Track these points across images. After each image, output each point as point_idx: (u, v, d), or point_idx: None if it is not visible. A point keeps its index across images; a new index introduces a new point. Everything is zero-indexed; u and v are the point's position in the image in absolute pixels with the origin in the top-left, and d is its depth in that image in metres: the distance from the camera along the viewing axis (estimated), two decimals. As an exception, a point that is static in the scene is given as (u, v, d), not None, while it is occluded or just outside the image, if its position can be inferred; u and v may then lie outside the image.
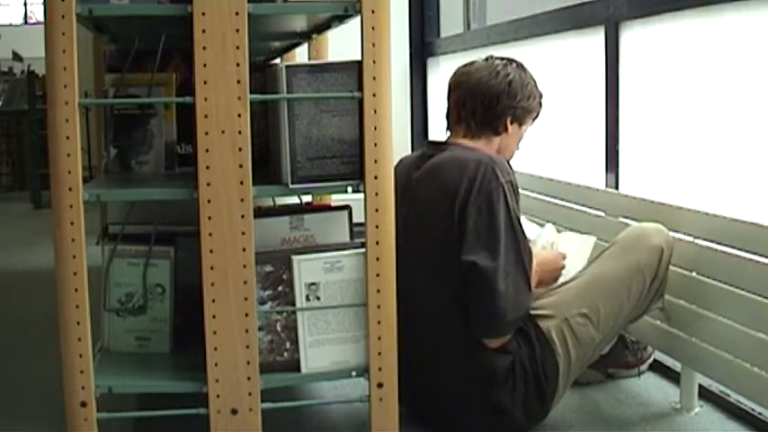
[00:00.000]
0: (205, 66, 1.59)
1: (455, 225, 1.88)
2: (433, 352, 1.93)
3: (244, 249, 1.63)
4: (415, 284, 1.91)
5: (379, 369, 1.70)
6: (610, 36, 2.47)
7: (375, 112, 1.65)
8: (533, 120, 2.12)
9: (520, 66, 2.09)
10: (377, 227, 1.68)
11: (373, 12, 1.63)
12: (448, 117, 2.12)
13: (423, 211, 1.95)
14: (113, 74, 1.97)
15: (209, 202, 1.62)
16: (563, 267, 2.10)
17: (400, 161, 2.06)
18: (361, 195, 1.68)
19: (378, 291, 1.69)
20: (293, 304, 1.70)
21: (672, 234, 2.01)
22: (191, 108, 1.61)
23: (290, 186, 1.67)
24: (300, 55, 2.63)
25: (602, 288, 1.99)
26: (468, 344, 1.90)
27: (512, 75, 2.05)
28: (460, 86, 2.07)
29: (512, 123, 2.06)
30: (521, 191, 2.00)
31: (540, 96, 2.11)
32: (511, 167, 1.95)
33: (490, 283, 1.83)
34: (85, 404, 1.63)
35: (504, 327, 1.87)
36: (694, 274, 1.97)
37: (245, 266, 1.64)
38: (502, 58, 2.09)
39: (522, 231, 1.90)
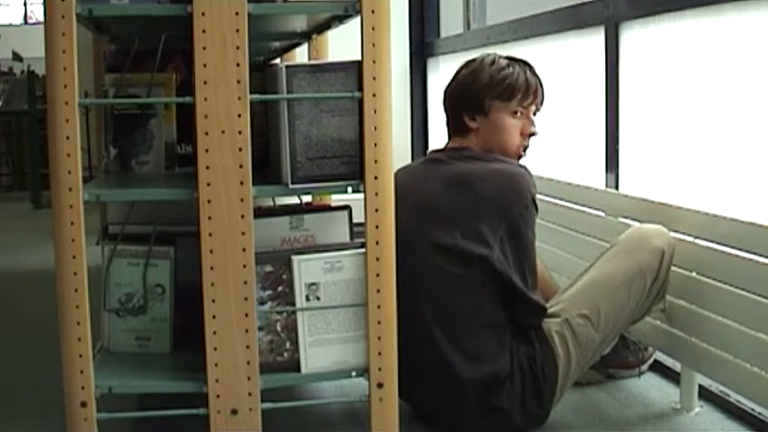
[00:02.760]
0: (205, 66, 1.59)
1: (485, 234, 1.90)
2: (432, 351, 1.93)
3: (244, 249, 1.63)
4: (417, 283, 1.91)
5: (379, 369, 1.70)
6: (610, 36, 2.47)
7: (375, 112, 1.65)
8: (527, 103, 2.03)
9: (499, 58, 2.06)
10: (377, 227, 1.68)
11: (373, 12, 1.63)
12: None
13: (448, 216, 1.95)
14: (113, 74, 1.97)
15: (209, 202, 1.62)
16: None
17: (399, 171, 2.01)
18: (361, 195, 1.68)
19: (378, 291, 1.69)
20: (293, 304, 1.70)
21: (672, 234, 2.01)
22: (191, 108, 1.61)
23: (290, 186, 1.67)
24: (300, 55, 2.63)
25: (603, 289, 1.99)
26: (468, 344, 1.90)
27: (478, 66, 2.04)
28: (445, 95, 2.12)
29: (479, 114, 2.02)
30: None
31: (518, 78, 2.02)
32: (532, 178, 1.97)
33: (527, 302, 1.94)
34: (85, 404, 1.63)
35: (540, 316, 1.98)
36: (694, 274, 1.97)
37: (245, 266, 1.64)
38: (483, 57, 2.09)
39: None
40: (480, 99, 2.02)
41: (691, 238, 1.99)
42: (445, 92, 2.11)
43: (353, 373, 1.73)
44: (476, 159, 2.00)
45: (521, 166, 1.99)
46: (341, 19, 1.86)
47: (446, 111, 2.11)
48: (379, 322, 1.70)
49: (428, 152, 2.17)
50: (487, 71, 2.03)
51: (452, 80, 2.11)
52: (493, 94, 2.02)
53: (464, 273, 1.89)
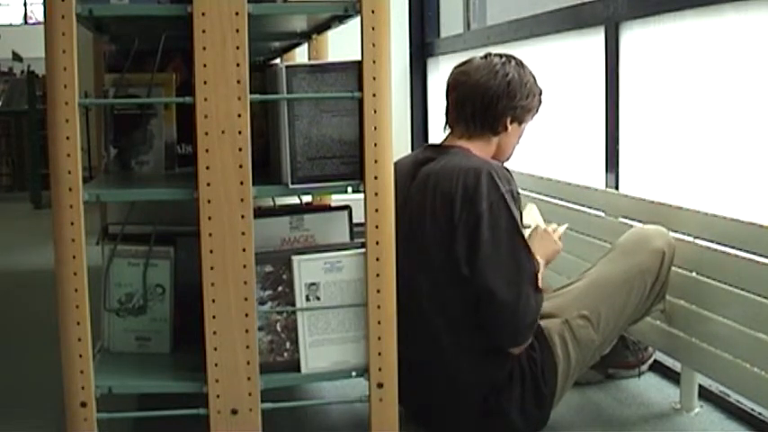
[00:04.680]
0: (205, 66, 1.59)
1: (455, 236, 1.87)
2: (431, 354, 1.93)
3: (244, 249, 1.63)
4: (415, 288, 1.91)
5: (379, 369, 1.70)
6: (610, 36, 2.47)
7: (375, 112, 1.65)
8: (533, 116, 2.09)
9: (519, 63, 2.06)
10: (377, 227, 1.68)
11: (373, 12, 1.63)
12: (447, 116, 2.10)
13: (422, 219, 1.93)
14: (113, 74, 1.97)
15: (209, 202, 1.62)
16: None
17: (394, 165, 2.01)
18: (361, 195, 1.68)
19: (378, 291, 1.69)
20: (293, 304, 1.70)
21: (672, 234, 2.01)
22: (191, 108, 1.61)
23: (290, 186, 1.67)
24: (300, 55, 2.63)
25: (604, 290, 1.98)
26: (467, 347, 1.90)
27: (511, 74, 2.01)
28: (459, 87, 2.04)
29: (511, 123, 2.03)
30: (521, 191, 1.99)
31: (540, 93, 2.07)
32: (510, 175, 1.93)
33: (504, 309, 1.85)
34: (85, 404, 1.63)
35: (522, 336, 1.88)
36: (694, 274, 1.97)
37: (245, 266, 1.64)
38: (500, 56, 2.06)
39: (523, 236, 1.89)
40: (530, 110, 2.06)
41: (691, 238, 1.99)
42: (488, 86, 2.00)
43: (353, 374, 1.73)
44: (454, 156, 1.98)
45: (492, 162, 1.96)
46: (341, 19, 1.86)
47: (480, 104, 2.00)
48: (379, 322, 1.70)
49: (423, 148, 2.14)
50: (537, 88, 2.06)
51: (501, 77, 2.01)
52: (534, 111, 2.08)
53: (460, 278, 1.89)
